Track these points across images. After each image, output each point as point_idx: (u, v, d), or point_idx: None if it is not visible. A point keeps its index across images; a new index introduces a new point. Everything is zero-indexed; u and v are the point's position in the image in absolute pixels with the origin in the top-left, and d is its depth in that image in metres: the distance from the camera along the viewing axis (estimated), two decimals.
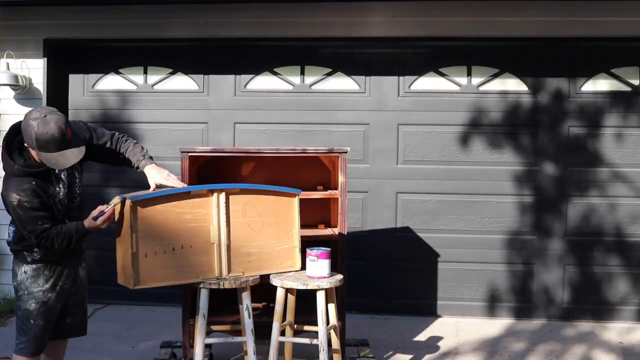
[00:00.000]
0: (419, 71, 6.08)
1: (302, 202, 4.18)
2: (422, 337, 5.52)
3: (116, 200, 3.60)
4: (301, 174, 4.94)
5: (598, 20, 5.75)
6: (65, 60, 6.34)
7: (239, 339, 4.08)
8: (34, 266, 3.56)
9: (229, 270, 3.89)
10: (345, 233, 4.54)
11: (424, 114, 6.06)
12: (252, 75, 6.21)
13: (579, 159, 5.97)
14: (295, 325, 4.25)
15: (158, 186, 3.77)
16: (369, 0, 5.84)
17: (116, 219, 3.63)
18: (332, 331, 4.12)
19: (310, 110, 6.15)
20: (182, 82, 6.30)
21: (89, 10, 6.13)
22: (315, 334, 4.04)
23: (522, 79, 6.03)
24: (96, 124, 4.09)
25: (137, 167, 3.79)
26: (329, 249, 4.06)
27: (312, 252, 4.01)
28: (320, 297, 3.92)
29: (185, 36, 6.12)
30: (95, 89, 6.37)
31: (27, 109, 3.47)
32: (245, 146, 6.03)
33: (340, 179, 4.48)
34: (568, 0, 5.71)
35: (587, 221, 5.97)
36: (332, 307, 4.10)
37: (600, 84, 5.99)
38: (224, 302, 4.54)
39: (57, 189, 3.52)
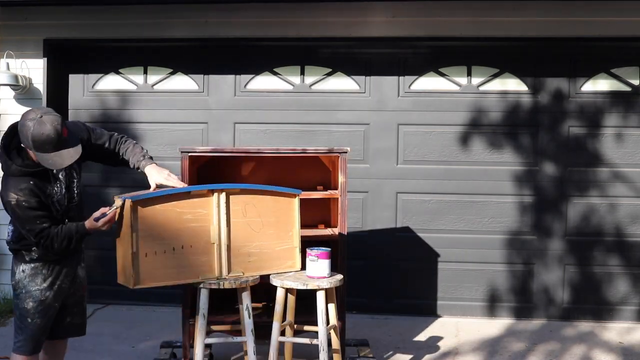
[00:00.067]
0: (419, 71, 6.08)
1: (302, 202, 4.17)
2: (422, 337, 5.52)
3: (118, 202, 3.60)
4: (301, 174, 4.95)
5: (598, 20, 5.75)
6: (65, 60, 6.34)
7: (239, 339, 4.08)
8: (32, 265, 3.57)
9: (229, 270, 3.88)
10: (345, 233, 4.54)
11: (424, 114, 6.06)
12: (252, 75, 6.21)
13: (579, 159, 5.97)
14: (295, 325, 4.25)
15: (158, 186, 3.77)
16: (369, 0, 5.84)
17: (116, 220, 3.64)
18: (332, 331, 4.12)
19: (310, 110, 6.15)
20: (182, 82, 6.30)
21: (89, 10, 6.13)
22: (315, 334, 4.04)
23: (522, 79, 6.03)
24: (96, 124, 4.10)
25: (137, 168, 3.79)
26: (329, 249, 4.07)
27: (312, 252, 4.01)
28: (320, 297, 3.92)
29: (185, 36, 6.12)
30: (95, 89, 6.37)
31: (27, 109, 3.48)
32: (245, 146, 6.03)
33: (340, 179, 4.48)
34: (568, 0, 5.71)
35: (587, 221, 5.97)
36: (332, 307, 4.10)
37: (600, 84, 5.99)
38: (224, 302, 4.55)
39: (55, 189, 3.53)
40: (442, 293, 6.09)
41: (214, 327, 4.31)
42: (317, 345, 3.92)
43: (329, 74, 6.17)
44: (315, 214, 4.95)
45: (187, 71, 6.28)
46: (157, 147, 6.11)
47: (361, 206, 6.10)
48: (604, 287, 5.98)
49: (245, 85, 6.22)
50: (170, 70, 6.31)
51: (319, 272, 4.00)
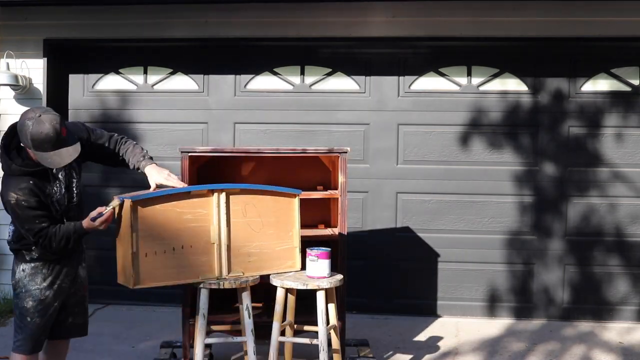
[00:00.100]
0: (419, 71, 6.08)
1: (302, 202, 4.17)
2: (422, 337, 5.52)
3: (115, 202, 3.61)
4: (301, 174, 4.95)
5: (598, 20, 5.75)
6: (65, 60, 6.34)
7: (239, 339, 4.08)
8: (33, 264, 3.57)
9: (229, 270, 3.88)
10: (345, 233, 4.54)
11: (424, 114, 6.06)
12: (252, 75, 6.21)
13: (579, 159, 5.97)
14: (295, 325, 4.25)
15: (158, 186, 3.78)
16: (369, 0, 5.84)
17: (115, 220, 3.64)
18: (332, 331, 4.12)
19: (310, 110, 6.15)
20: (182, 82, 6.30)
21: (89, 10, 6.13)
22: (315, 334, 4.04)
23: (522, 79, 6.03)
24: (96, 125, 4.10)
25: (137, 168, 3.79)
26: (329, 249, 4.06)
27: (312, 252, 4.01)
28: (320, 297, 3.92)
29: (185, 36, 6.12)
30: (95, 89, 6.37)
31: (27, 109, 3.49)
32: (245, 146, 6.03)
33: (340, 179, 4.48)
34: (568, 0, 5.71)
35: (587, 221, 5.97)
36: (332, 307, 4.10)
37: (600, 84, 5.99)
38: (224, 302, 4.55)
39: (55, 188, 3.54)
40: (442, 293, 6.09)
41: (214, 327, 4.31)
42: (317, 345, 3.92)
43: (329, 74, 6.17)
44: (315, 214, 4.95)
45: (187, 71, 6.28)
46: (157, 147, 6.11)
47: (361, 206, 6.10)
48: (604, 287, 5.98)
49: (245, 85, 6.22)
50: (170, 70, 6.31)
51: (319, 272, 4.00)
